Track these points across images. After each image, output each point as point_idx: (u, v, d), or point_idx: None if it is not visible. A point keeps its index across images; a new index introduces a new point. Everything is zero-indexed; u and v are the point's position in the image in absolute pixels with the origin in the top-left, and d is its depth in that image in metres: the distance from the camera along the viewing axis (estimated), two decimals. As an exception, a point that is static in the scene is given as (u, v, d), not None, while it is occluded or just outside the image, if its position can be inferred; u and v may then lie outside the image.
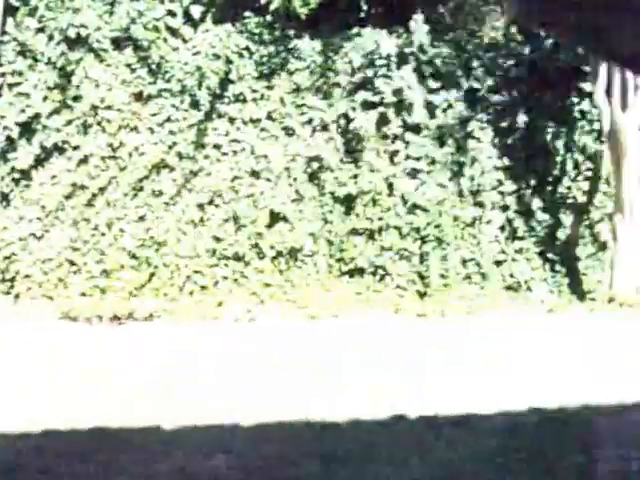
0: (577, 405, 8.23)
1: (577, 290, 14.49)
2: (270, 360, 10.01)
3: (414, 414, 7.85)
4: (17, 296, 13.36)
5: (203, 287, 13.70)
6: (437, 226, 14.17)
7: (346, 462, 6.52)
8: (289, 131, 14.05)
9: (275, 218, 13.94)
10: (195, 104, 13.80)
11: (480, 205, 14.63)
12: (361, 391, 8.64)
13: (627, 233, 14.17)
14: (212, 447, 6.87)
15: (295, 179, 14.05)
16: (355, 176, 14.16)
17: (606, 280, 14.46)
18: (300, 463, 6.50)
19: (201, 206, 13.83)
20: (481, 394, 8.58)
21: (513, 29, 15.09)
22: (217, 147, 13.87)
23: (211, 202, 13.84)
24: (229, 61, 13.83)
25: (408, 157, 14.32)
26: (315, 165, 14.05)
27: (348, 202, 14.18)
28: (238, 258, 13.86)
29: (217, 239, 13.84)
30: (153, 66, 13.70)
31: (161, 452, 6.77)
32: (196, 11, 13.92)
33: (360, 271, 14.16)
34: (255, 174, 13.92)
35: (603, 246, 14.95)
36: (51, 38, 13.60)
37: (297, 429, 7.45)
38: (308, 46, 14.16)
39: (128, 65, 13.68)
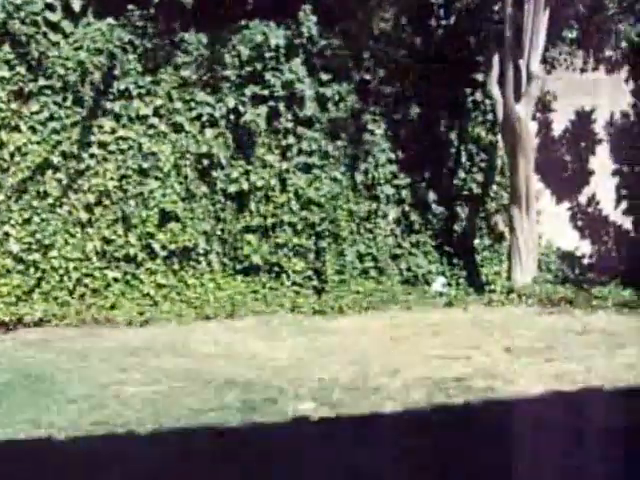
0: (483, 399, 8.21)
1: (475, 282, 14.54)
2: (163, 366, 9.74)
3: (316, 416, 7.69)
4: None
5: (94, 290, 13.30)
6: (332, 221, 14.03)
7: (246, 468, 6.32)
8: (177, 127, 13.71)
9: (166, 217, 13.59)
10: (79, 101, 13.36)
11: (375, 199, 14.56)
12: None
13: (523, 223, 14.23)
14: (102, 458, 6.59)
15: (185, 177, 13.73)
16: (247, 172, 13.90)
17: (504, 271, 14.55)
18: (196, 470, 6.29)
19: (89, 207, 13.41)
20: (385, 393, 8.47)
21: (403, 20, 15.05)
22: (103, 145, 13.44)
23: (99, 202, 13.42)
24: (112, 56, 13.43)
25: (301, 152, 14.13)
26: (205, 162, 13.75)
27: (240, 199, 13.93)
28: (129, 259, 13.49)
29: (107, 240, 13.44)
30: (33, 62, 13.20)
31: (52, 465, 6.48)
32: (76, 4, 13.47)
33: (255, 269, 13.94)
34: (143, 172, 13.55)
35: (500, 237, 15.03)
36: None
37: (193, 436, 7.22)
38: (194, 39, 13.86)
39: (6, 62, 13.16)
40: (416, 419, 7.67)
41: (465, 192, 14.95)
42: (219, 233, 13.93)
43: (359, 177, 14.43)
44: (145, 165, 13.53)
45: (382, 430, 7.37)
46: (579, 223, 15.84)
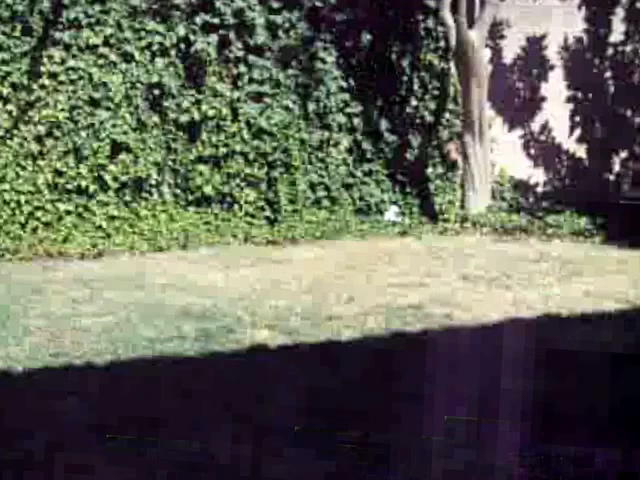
0: (441, 326, 8.29)
1: (428, 211, 14.60)
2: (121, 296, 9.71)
3: (273, 344, 7.73)
4: None
5: (46, 223, 13.17)
6: (284, 151, 13.98)
7: (207, 397, 6.34)
8: (128, 57, 13.50)
9: (117, 148, 13.44)
10: (27, 31, 13.11)
11: (327, 128, 14.50)
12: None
13: (476, 152, 14.28)
14: (63, 389, 6.59)
15: (136, 107, 13.55)
16: (198, 102, 13.77)
17: (457, 200, 14.63)
18: (158, 399, 6.30)
19: (39, 139, 13.22)
20: (342, 321, 8.52)
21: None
22: (53, 76, 13.20)
23: (50, 134, 13.21)
24: (60, -17, 13.17)
25: (252, 80, 14.00)
26: (156, 92, 13.58)
27: (192, 129, 13.81)
28: (81, 192, 13.36)
29: (58, 173, 13.28)
30: (-22, -9, 12.94)
31: (8, 397, 6.46)
32: None
33: (207, 200, 13.90)
34: (94, 103, 13.35)
35: (453, 166, 15.10)
36: None
37: (150, 365, 7.22)
38: (143, -34, 13.63)
39: (-51, -9, 12.88)
40: (374, 345, 7.73)
41: (417, 120, 14.95)
42: (171, 164, 13.83)
43: (311, 106, 14.35)
44: (96, 96, 13.33)
45: (340, 356, 7.42)
46: (532, 151, 15.92)
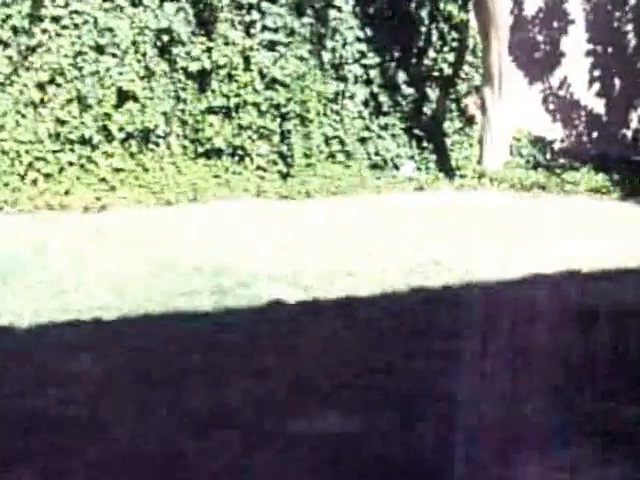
0: (462, 281, 8.08)
1: (445, 167, 14.32)
2: (128, 251, 9.47)
3: (291, 299, 7.51)
4: None
5: (47, 175, 12.85)
6: (298, 102, 13.71)
7: (228, 351, 6.12)
8: (135, 1, 13.15)
9: (123, 97, 13.09)
10: (29, -29, 12.80)
11: (343, 79, 14.17)
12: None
13: (495, 106, 13.99)
14: (73, 345, 6.35)
15: (144, 54, 13.19)
16: (209, 50, 13.41)
17: (475, 156, 14.37)
18: (175, 355, 6.08)
19: (41, 86, 12.87)
20: (364, 276, 8.30)
21: None
22: (56, 20, 12.85)
23: (52, 81, 12.86)
24: None
25: (265, 28, 13.66)
26: (165, 38, 13.22)
27: (202, 78, 13.46)
28: (84, 142, 13.03)
29: (60, 122, 12.94)
30: None
31: (17, 353, 6.21)
32: None
33: (217, 152, 13.53)
34: (100, 49, 13.00)
35: (471, 121, 14.80)
36: None
37: (165, 321, 6.99)
38: None
39: None
40: (394, 301, 7.51)
41: (435, 73, 14.60)
42: (179, 114, 13.49)
43: (326, 56, 14.01)
44: (101, 41, 12.98)
45: (360, 311, 7.20)
46: (551, 106, 15.61)
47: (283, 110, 13.67)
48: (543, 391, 5.33)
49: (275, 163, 13.69)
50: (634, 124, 15.62)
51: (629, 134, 15.66)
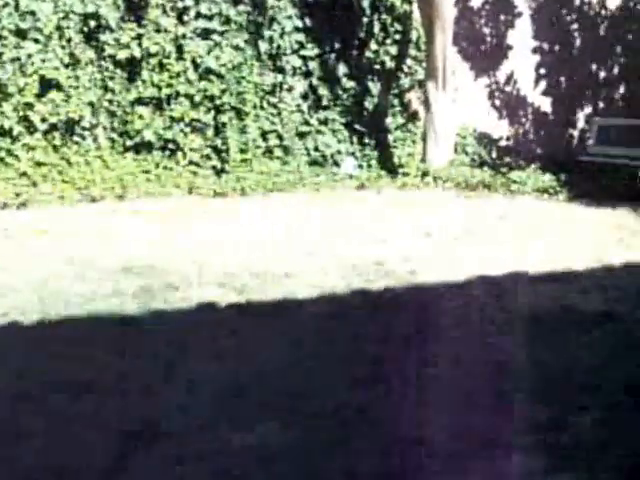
0: (405, 284, 7.91)
1: (387, 164, 14.20)
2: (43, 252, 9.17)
3: (223, 302, 7.27)
4: None
5: (-36, 168, 12.55)
6: (233, 94, 13.50)
7: (154, 358, 5.87)
8: (60, -17, 12.93)
9: (46, 86, 12.80)
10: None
11: (281, 71, 14.01)
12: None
13: (440, 101, 13.90)
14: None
15: (69, 40, 12.92)
16: (139, 37, 13.20)
17: (418, 153, 14.25)
18: (95, 361, 5.81)
19: (-42, 74, 12.59)
20: (302, 277, 8.09)
21: None
22: (-25, 3, 12.60)
23: (-30, 67, 12.62)
24: None
25: (199, 15, 13.49)
26: (92, 24, 12.97)
27: (131, 67, 13.25)
28: (4, 133, 12.69)
29: (-22, 111, 12.67)
30: None
31: None
32: None
33: (147, 146, 13.31)
34: (21, 34, 12.69)
35: (414, 116, 14.71)
36: None
37: (87, 324, 6.72)
38: None
39: None
40: (334, 304, 7.31)
41: (377, 66, 14.52)
42: (107, 105, 13.27)
43: (263, 46, 13.87)
44: (23, 26, 12.68)
45: (297, 315, 6.99)
46: (497, 103, 15.57)
47: (218, 102, 13.46)
48: (486, 399, 5.17)
49: (209, 158, 13.48)
50: (581, 124, 15.64)
51: (576, 134, 15.66)
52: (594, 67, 15.72)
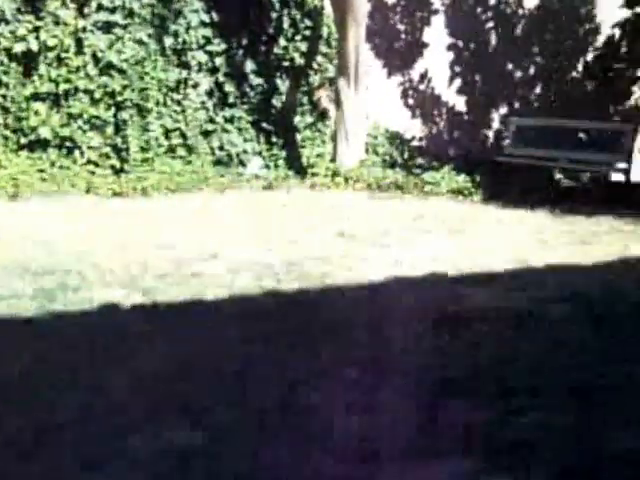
0: (318, 285, 7.78)
1: (296, 164, 14.11)
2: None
3: (127, 303, 7.06)
4: None
5: None
6: (135, 90, 13.28)
7: (53, 362, 5.64)
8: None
9: None
10: None
11: (186, 66, 13.86)
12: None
13: (351, 100, 13.84)
14: None
15: (-41, 32, 12.67)
16: (36, 29, 12.97)
17: (328, 153, 14.18)
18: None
19: None
20: (210, 278, 7.92)
21: None
22: None
23: None
24: None
25: (100, 8, 13.26)
26: (-14, 15, 12.74)
27: (28, 61, 13.02)
28: None
29: None
30: None
31: None
32: None
33: (43, 144, 13.08)
34: None
35: (324, 115, 14.66)
36: None
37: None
38: None
39: None
40: (244, 305, 7.15)
41: (286, 63, 14.45)
42: (0, 100, 12.99)
43: (168, 41, 13.72)
44: None
45: (206, 317, 6.81)
46: (410, 101, 15.57)
47: (119, 98, 13.25)
48: (416, 402, 5.06)
49: (108, 157, 13.26)
50: (496, 124, 15.72)
51: (491, 134, 15.75)
52: (510, 66, 15.80)
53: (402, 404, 5.00)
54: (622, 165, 13.24)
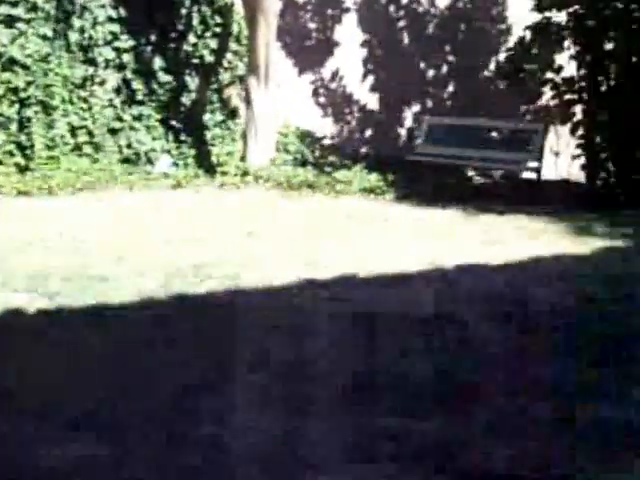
0: (228, 288, 7.75)
1: (205, 163, 14.05)
2: None
3: (30, 308, 6.95)
4: None
5: None
6: (40, 87, 13.10)
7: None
8: None
9: None
10: None
11: (92, 63, 13.70)
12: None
13: (261, 98, 13.82)
14: None
15: None
16: None
17: (238, 152, 14.16)
18: None
19: None
20: (118, 281, 7.83)
21: None
22: None
23: None
24: None
25: (2, 1, 13.05)
26: None
27: None
28: None
29: None
30: None
31: None
32: None
33: (-63, 142, 12.81)
34: None
35: (234, 113, 14.61)
36: None
37: None
38: None
39: None
40: (152, 309, 7.08)
41: (196, 60, 14.39)
42: None
43: (74, 36, 13.54)
44: None
45: (113, 321, 6.74)
46: (321, 100, 15.61)
47: (22, 95, 13.06)
48: (324, 408, 5.06)
49: (12, 155, 13.04)
50: (409, 122, 15.82)
51: (403, 132, 15.85)
52: (423, 65, 15.93)
53: (299, 409, 5.01)
54: (533, 164, 13.48)
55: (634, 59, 12.70)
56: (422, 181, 13.25)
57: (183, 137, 14.25)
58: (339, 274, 8.26)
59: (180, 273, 8.09)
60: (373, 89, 15.73)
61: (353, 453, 4.44)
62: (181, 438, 4.55)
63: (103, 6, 13.71)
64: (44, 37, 13.30)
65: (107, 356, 5.90)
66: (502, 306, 7.17)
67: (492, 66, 15.95)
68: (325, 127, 15.51)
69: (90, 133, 13.71)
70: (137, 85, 14.02)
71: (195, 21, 14.29)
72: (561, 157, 15.05)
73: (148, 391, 5.23)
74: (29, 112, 13.06)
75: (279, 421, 4.82)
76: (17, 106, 13.10)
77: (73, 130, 13.57)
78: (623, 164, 12.91)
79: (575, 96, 13.18)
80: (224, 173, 13.66)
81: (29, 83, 13.07)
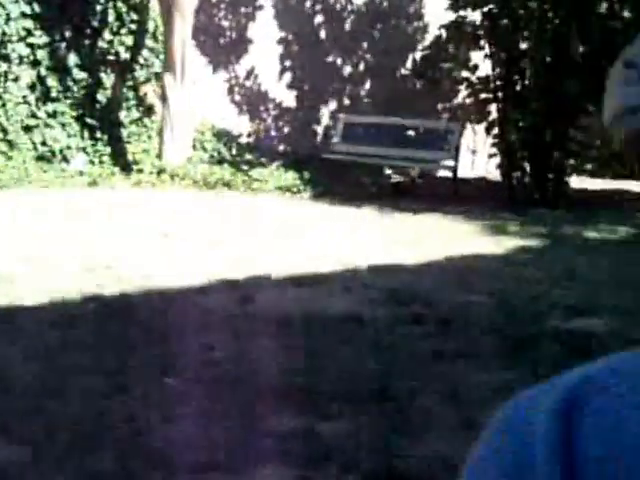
0: (140, 289, 7.79)
1: (121, 161, 14.04)
2: None
3: None
4: None
5: None
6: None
7: None
8: None
9: None
10: None
11: (6, 59, 13.59)
12: None
13: (177, 95, 13.83)
14: None
15: None
16: None
17: (154, 149, 14.16)
18: None
19: None
20: (28, 281, 7.84)
21: None
22: None
23: None
24: None
25: None
26: None
27: None
28: None
29: None
30: None
31: None
32: None
33: None
34: None
35: (149, 110, 14.60)
36: None
37: None
38: None
39: None
40: (63, 311, 7.10)
41: (111, 57, 14.34)
42: None
43: (-14, 32, 13.41)
44: None
45: (25, 323, 6.76)
46: (237, 98, 15.67)
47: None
48: (224, 410, 5.15)
49: None
50: (325, 120, 15.92)
51: (320, 130, 15.95)
52: (340, 62, 16.02)
53: (219, 412, 5.10)
54: (449, 162, 13.68)
55: (548, 59, 12.91)
56: (339, 179, 13.36)
57: (99, 134, 14.19)
58: (252, 275, 8.34)
59: (93, 274, 8.11)
60: (290, 86, 15.83)
61: (259, 454, 4.55)
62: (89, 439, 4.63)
63: (17, 1, 13.59)
64: (-44, 34, 13.17)
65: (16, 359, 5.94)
66: (411, 308, 7.29)
67: (409, 64, 16.12)
68: (241, 125, 15.57)
69: (4, 130, 13.60)
70: (52, 82, 13.92)
71: (110, 17, 14.26)
72: (479, 155, 15.28)
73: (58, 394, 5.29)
74: (-61, 109, 12.94)
75: (184, 424, 4.91)
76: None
77: (-11, 128, 13.47)
78: (538, 163, 13.13)
79: (490, 95, 13.38)
80: (140, 171, 13.67)
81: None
